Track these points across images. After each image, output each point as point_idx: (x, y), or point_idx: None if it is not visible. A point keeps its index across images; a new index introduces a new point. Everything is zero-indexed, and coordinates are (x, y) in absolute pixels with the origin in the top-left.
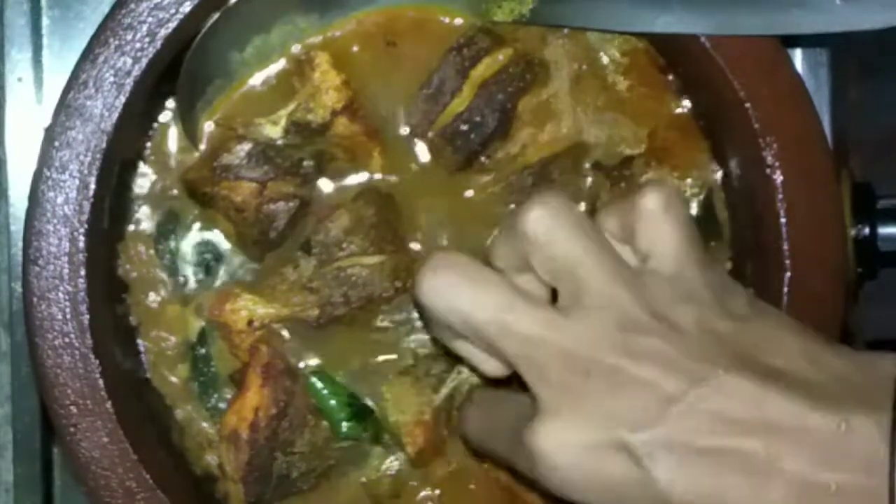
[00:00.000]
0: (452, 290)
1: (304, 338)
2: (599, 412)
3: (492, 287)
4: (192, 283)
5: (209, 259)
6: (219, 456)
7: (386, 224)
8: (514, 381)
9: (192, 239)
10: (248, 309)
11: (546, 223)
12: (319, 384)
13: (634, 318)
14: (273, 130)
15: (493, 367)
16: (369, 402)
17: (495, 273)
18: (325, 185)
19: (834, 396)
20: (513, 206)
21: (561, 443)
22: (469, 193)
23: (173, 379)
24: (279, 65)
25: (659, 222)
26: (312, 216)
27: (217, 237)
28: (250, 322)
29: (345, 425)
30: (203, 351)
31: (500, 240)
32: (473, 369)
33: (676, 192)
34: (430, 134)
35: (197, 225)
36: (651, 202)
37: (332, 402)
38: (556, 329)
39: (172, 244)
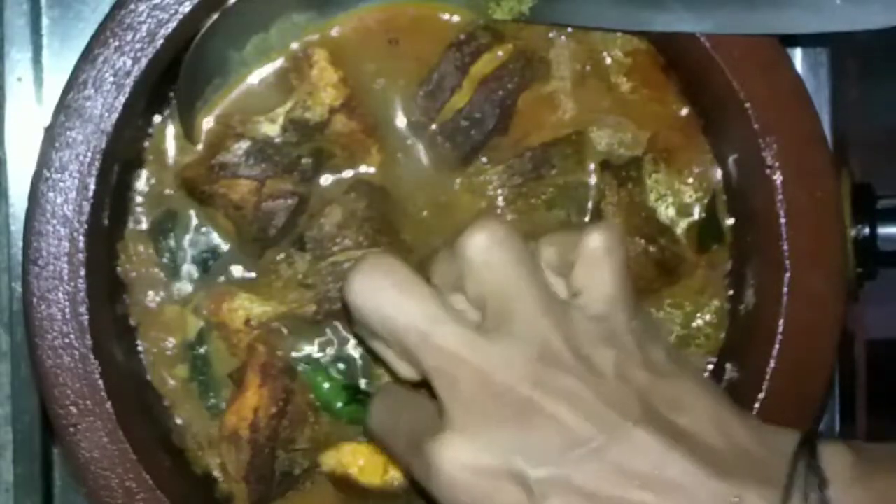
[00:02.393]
0: (381, 292)
1: (301, 331)
2: (504, 439)
3: (419, 296)
4: (190, 283)
5: (208, 258)
6: (220, 456)
7: (379, 217)
8: (425, 387)
9: (190, 237)
10: (244, 308)
11: (486, 248)
12: (312, 372)
13: (556, 353)
14: (271, 128)
15: (405, 371)
16: (364, 385)
17: (426, 285)
18: (324, 181)
19: (734, 468)
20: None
21: (460, 461)
22: (467, 187)
23: (173, 379)
24: (278, 63)
25: (599, 263)
26: (308, 212)
27: (216, 236)
28: (248, 321)
29: (343, 409)
30: (202, 350)
31: (440, 257)
32: (388, 368)
33: (621, 235)
34: (430, 130)
35: (196, 223)
36: (595, 241)
37: (326, 385)
38: (477, 349)
39: (172, 243)
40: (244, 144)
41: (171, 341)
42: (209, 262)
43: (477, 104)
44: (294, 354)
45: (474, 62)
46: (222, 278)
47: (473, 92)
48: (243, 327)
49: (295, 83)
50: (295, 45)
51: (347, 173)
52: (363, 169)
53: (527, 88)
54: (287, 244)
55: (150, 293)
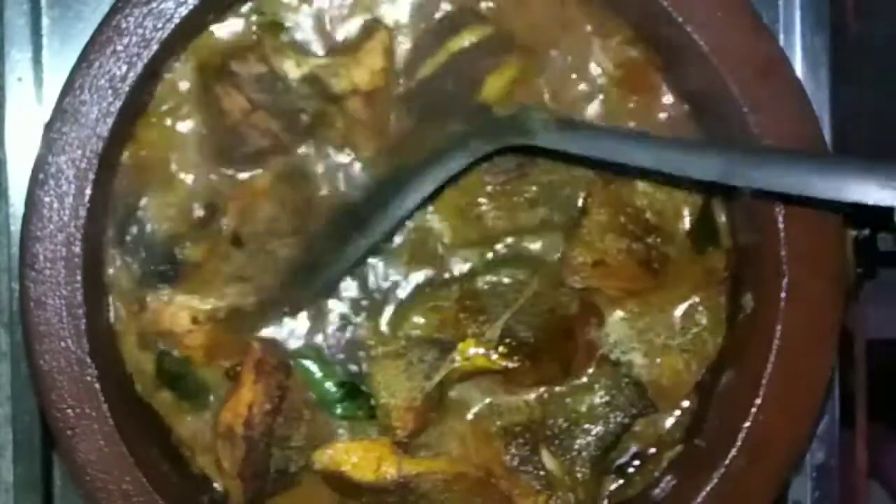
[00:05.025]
0: None
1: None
2: None
3: None
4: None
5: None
6: (216, 453)
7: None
8: None
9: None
10: (186, 307)
11: None
12: (312, 367)
13: None
14: (293, 70)
15: None
16: (359, 383)
17: None
18: (304, 147)
19: None
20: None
21: None
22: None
23: (160, 398)
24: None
25: None
26: (235, 202)
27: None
28: (195, 319)
29: (339, 406)
30: (177, 370)
31: None
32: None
33: None
34: (398, 93)
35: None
36: None
37: (327, 384)
38: None
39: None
40: (261, 69)
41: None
42: (162, 268)
43: (442, 73)
44: (293, 347)
45: (452, 37)
46: (156, 284)
47: (444, 62)
48: (192, 326)
49: (344, 49)
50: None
51: (331, 151)
52: (342, 158)
53: (497, 69)
54: (225, 242)
55: (121, 302)
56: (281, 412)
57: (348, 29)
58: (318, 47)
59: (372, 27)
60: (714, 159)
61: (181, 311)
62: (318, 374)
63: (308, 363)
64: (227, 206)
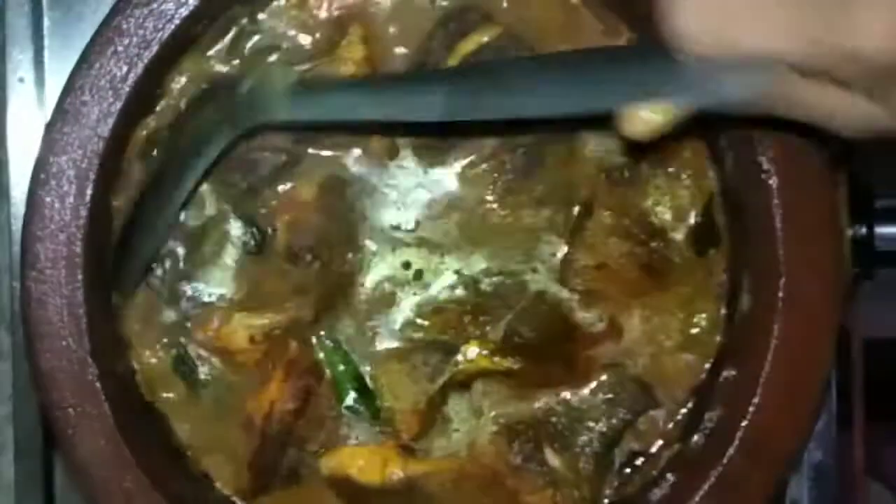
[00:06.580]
0: None
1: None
2: None
3: None
4: (175, 310)
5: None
6: (231, 440)
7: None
8: None
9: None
10: (244, 326)
11: None
12: (334, 349)
13: None
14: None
15: None
16: (368, 384)
17: None
18: (317, 149)
19: None
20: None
21: None
22: (455, 172)
23: (163, 398)
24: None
25: None
26: (282, 214)
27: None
28: (252, 338)
29: (351, 396)
30: (200, 377)
31: None
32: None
33: None
34: None
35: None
36: None
37: (341, 368)
38: None
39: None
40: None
41: (159, 358)
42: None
43: None
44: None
45: (461, 40)
46: (209, 300)
47: None
48: (249, 346)
49: (323, 50)
50: (336, 12)
51: (342, 150)
52: (357, 149)
53: None
54: (277, 259)
55: (136, 308)
56: (304, 415)
57: (320, 30)
58: (298, 57)
59: (343, 21)
60: (442, 92)
61: (239, 331)
62: (336, 357)
63: (329, 342)
64: (275, 221)
